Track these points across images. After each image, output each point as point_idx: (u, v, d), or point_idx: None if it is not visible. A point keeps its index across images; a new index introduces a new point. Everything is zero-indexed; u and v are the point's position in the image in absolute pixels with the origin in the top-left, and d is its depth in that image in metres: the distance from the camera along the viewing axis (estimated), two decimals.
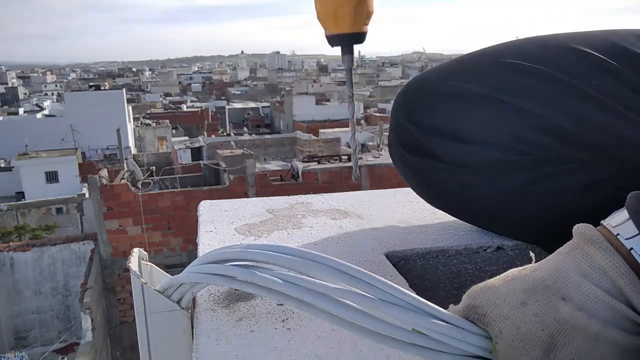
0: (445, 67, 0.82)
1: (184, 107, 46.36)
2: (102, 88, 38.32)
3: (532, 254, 0.51)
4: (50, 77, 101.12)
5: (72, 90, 43.18)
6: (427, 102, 0.79)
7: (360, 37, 0.87)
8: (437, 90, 0.78)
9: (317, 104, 38.72)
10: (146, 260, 0.66)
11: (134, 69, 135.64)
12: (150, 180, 12.82)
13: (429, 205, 0.91)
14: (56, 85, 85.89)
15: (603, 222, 0.45)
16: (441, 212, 0.92)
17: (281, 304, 0.65)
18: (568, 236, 0.46)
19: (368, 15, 0.87)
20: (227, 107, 50.82)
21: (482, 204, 0.78)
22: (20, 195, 21.06)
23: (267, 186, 11.42)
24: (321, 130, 26.39)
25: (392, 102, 0.87)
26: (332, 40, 0.88)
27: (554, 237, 0.64)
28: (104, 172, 12.49)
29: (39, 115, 37.07)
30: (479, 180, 0.75)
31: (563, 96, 0.67)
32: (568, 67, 0.68)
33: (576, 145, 0.67)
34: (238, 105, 53.73)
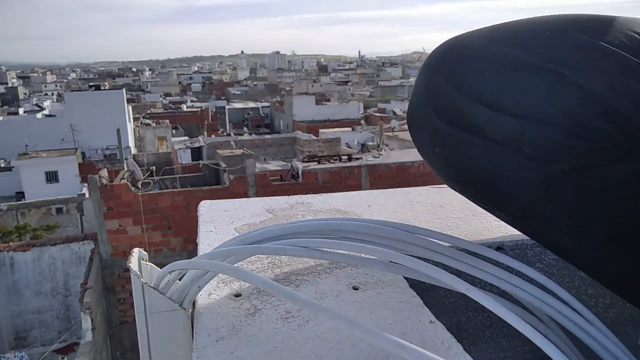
0: (493, 31, 0.73)
1: (184, 107, 46.36)
2: (102, 88, 38.32)
3: None
4: (50, 77, 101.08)
5: (72, 90, 43.17)
6: (475, 66, 0.69)
7: None
8: (489, 55, 0.69)
9: (317, 104, 38.70)
10: (146, 260, 0.66)
11: (134, 69, 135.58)
12: (150, 180, 12.82)
13: (429, 205, 0.91)
14: (56, 85, 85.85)
15: None
16: (441, 212, 0.92)
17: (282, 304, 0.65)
18: (599, 237, 0.45)
19: None
20: (227, 107, 50.82)
21: (518, 191, 0.68)
22: (20, 195, 21.05)
23: (267, 186, 11.41)
24: (321, 130, 26.38)
25: (425, 64, 0.77)
26: None
27: (584, 236, 0.62)
28: (104, 172, 12.48)
29: (39, 115, 37.06)
30: (523, 164, 0.65)
31: (630, 81, 0.61)
32: (637, 53, 0.62)
33: (632, 134, 0.61)
34: (238, 105, 53.73)
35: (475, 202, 0.77)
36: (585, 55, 0.62)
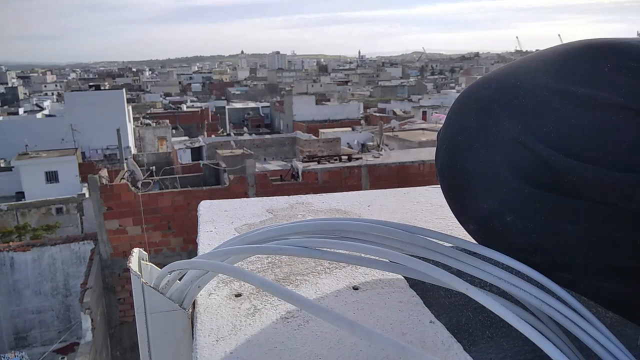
0: (543, 66, 0.62)
1: (184, 107, 46.37)
2: (102, 88, 38.32)
3: None
4: (50, 77, 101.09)
5: (72, 90, 43.17)
6: (556, 113, 0.57)
7: None
8: (564, 96, 0.58)
9: (317, 104, 38.71)
10: (146, 260, 0.66)
11: (134, 69, 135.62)
12: (150, 180, 12.82)
13: (429, 205, 0.91)
14: (56, 85, 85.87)
15: None
16: (441, 212, 0.92)
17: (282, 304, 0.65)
18: None
19: None
20: (227, 107, 50.83)
21: (618, 256, 0.59)
22: (20, 195, 21.05)
23: (267, 186, 11.41)
24: (321, 130, 26.39)
25: (467, 105, 0.65)
26: None
27: None
28: (104, 172, 12.48)
29: (39, 115, 37.06)
30: (624, 220, 0.56)
31: None
32: None
33: None
34: (238, 105, 53.74)
35: (555, 274, 0.64)
36: None
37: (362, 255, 0.63)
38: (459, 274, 0.60)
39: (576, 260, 0.61)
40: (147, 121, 33.88)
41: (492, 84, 0.64)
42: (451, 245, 0.67)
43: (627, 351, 0.58)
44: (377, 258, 0.63)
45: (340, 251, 0.62)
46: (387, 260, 0.63)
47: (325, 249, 0.62)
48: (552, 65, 0.62)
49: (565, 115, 0.57)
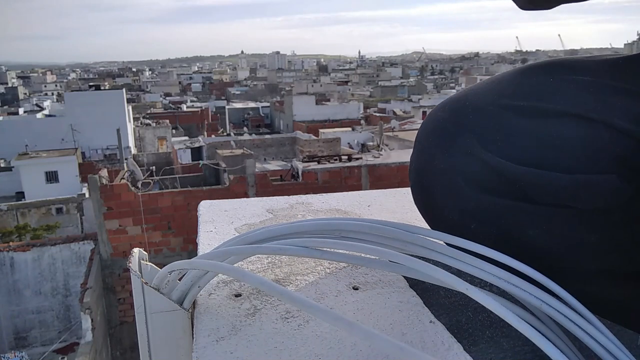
0: (491, 87, 0.68)
1: (184, 107, 46.38)
2: (102, 88, 38.33)
3: None
4: (50, 77, 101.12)
5: (72, 90, 43.19)
6: (503, 125, 0.62)
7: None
8: (509, 110, 0.63)
9: (317, 104, 38.72)
10: (146, 260, 0.66)
11: (134, 69, 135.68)
12: (150, 180, 12.82)
13: None
14: (56, 85, 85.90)
15: None
16: None
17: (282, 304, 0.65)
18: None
19: None
20: (227, 107, 50.84)
21: (571, 254, 0.63)
22: (20, 195, 21.06)
23: (267, 186, 11.41)
24: (321, 130, 26.40)
25: (427, 127, 0.71)
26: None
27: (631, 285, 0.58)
28: (104, 172, 12.48)
29: (39, 115, 37.07)
30: (579, 221, 0.60)
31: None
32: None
33: None
34: (238, 105, 53.76)
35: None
36: (619, 97, 0.59)
37: (362, 255, 0.63)
38: (459, 273, 0.60)
39: (551, 264, 0.64)
40: (147, 121, 33.90)
41: (445, 106, 0.70)
42: (451, 245, 0.67)
43: (627, 351, 0.58)
44: (377, 258, 0.63)
45: (341, 251, 0.62)
46: (387, 260, 0.63)
47: (325, 249, 0.62)
48: (498, 84, 0.67)
49: (510, 126, 0.62)
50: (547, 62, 0.67)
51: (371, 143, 21.87)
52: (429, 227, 0.74)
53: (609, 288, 0.65)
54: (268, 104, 50.01)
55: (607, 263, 0.63)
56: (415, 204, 0.77)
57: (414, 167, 0.73)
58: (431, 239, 0.65)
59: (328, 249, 0.62)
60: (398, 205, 1.07)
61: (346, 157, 13.76)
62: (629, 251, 0.61)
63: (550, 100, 0.61)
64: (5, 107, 53.71)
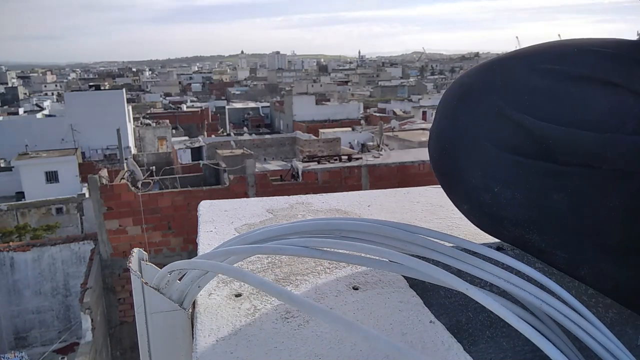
0: (517, 53, 0.69)
1: (184, 107, 46.37)
2: (102, 88, 38.31)
3: None
4: (50, 77, 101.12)
5: (72, 90, 43.16)
6: (533, 86, 0.63)
7: None
8: (538, 73, 0.63)
9: (317, 104, 38.71)
10: (146, 260, 0.66)
11: (134, 69, 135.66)
12: (150, 180, 12.82)
13: (429, 205, 0.91)
14: (56, 85, 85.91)
15: None
16: (441, 212, 0.92)
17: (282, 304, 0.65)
18: None
19: None
20: (227, 107, 50.83)
21: (600, 220, 0.62)
22: (20, 195, 21.05)
23: (267, 186, 11.41)
24: (321, 130, 26.39)
25: (452, 91, 0.70)
26: None
27: None
28: (104, 172, 12.48)
29: (39, 115, 37.07)
30: (604, 184, 0.60)
31: None
32: None
33: None
34: (238, 105, 53.75)
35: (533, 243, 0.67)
36: (627, 64, 0.61)
37: (363, 255, 0.63)
38: (459, 273, 0.60)
39: (570, 237, 0.63)
40: (147, 121, 33.89)
41: (471, 72, 0.70)
42: (451, 244, 0.67)
43: (627, 351, 0.58)
44: (377, 258, 0.63)
45: (341, 251, 0.62)
46: (387, 260, 0.63)
47: (325, 249, 0.62)
48: (524, 52, 0.68)
49: (539, 87, 0.62)
50: (571, 39, 0.68)
51: (371, 143, 21.87)
52: (428, 227, 0.74)
53: (627, 267, 0.65)
54: (268, 104, 50.00)
55: (628, 236, 0.62)
56: (434, 170, 0.75)
57: (435, 132, 0.72)
58: (431, 239, 0.65)
59: (328, 249, 0.62)
60: (398, 205, 1.07)
61: (346, 157, 13.76)
62: None
63: (577, 65, 0.62)
64: (5, 107, 53.70)
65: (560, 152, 0.60)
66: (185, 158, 19.34)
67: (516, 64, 0.66)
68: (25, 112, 43.73)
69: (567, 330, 0.60)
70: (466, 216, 0.73)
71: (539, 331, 0.55)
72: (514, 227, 0.66)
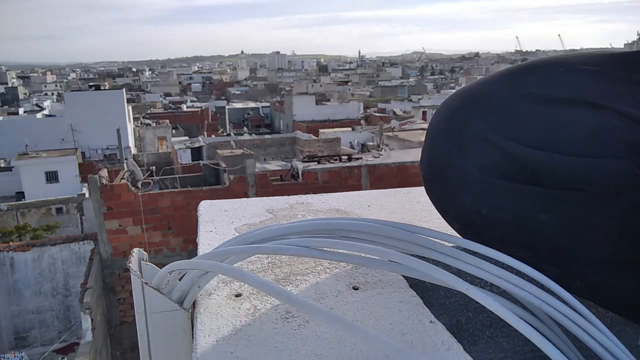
0: (502, 77, 0.69)
1: (184, 107, 46.37)
2: (102, 88, 38.31)
3: None
4: (50, 77, 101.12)
5: (72, 90, 43.16)
6: (516, 111, 0.63)
7: None
8: (522, 97, 0.64)
9: (317, 104, 38.71)
10: (146, 260, 0.66)
11: (134, 69, 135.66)
12: (150, 180, 12.82)
13: (429, 205, 0.91)
14: (56, 85, 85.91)
15: None
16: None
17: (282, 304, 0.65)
18: None
19: None
20: (227, 107, 50.82)
21: (584, 236, 0.63)
22: (20, 195, 21.05)
23: (267, 186, 11.41)
24: (321, 130, 26.39)
25: (439, 117, 0.71)
26: None
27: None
28: (104, 172, 12.48)
29: (39, 115, 37.08)
30: (589, 205, 0.60)
31: None
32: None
33: None
34: (238, 105, 53.75)
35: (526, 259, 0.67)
36: (610, 86, 0.61)
37: (363, 255, 0.63)
38: (459, 273, 0.60)
39: (561, 252, 0.65)
40: (147, 121, 33.89)
41: (456, 95, 0.72)
42: (451, 244, 0.67)
43: (627, 351, 0.58)
44: (377, 257, 0.63)
45: (341, 251, 0.62)
46: (387, 260, 0.63)
47: (325, 249, 0.62)
48: (508, 75, 0.69)
49: (523, 112, 0.63)
50: (556, 56, 0.69)
51: (371, 143, 21.87)
52: (428, 227, 0.74)
53: (618, 279, 0.66)
54: (268, 104, 50.00)
55: (617, 251, 0.63)
56: (427, 192, 0.77)
57: (425, 156, 0.74)
58: (431, 239, 0.65)
59: (328, 249, 0.62)
60: (398, 205, 1.07)
61: (346, 157, 13.75)
62: (638, 238, 0.62)
63: (561, 87, 0.62)
64: (5, 107, 53.70)
65: (546, 177, 0.61)
66: (185, 158, 19.34)
67: (500, 88, 0.67)
68: (25, 112, 43.73)
69: (567, 330, 0.60)
70: (457, 233, 0.75)
71: (539, 331, 0.55)
72: (502, 245, 0.67)
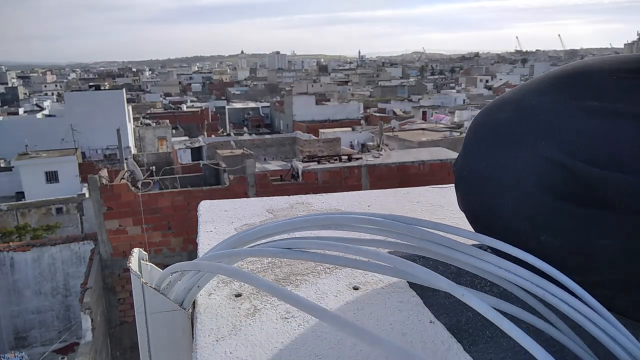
0: (556, 85, 0.63)
1: (184, 107, 46.36)
2: (102, 88, 38.29)
3: None
4: (50, 77, 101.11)
5: (72, 90, 43.15)
6: (577, 124, 0.57)
7: None
8: (581, 111, 0.57)
9: (317, 104, 38.71)
10: (146, 261, 0.66)
11: (134, 69, 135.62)
12: (150, 180, 12.81)
13: (429, 205, 0.91)
14: (56, 85, 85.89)
15: None
16: (441, 212, 0.92)
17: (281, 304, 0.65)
18: None
19: None
20: (227, 107, 50.82)
21: None
22: (20, 195, 21.05)
23: (267, 186, 11.41)
24: (321, 130, 26.40)
25: (485, 127, 0.66)
26: None
27: None
28: (104, 172, 12.47)
29: (39, 115, 37.07)
30: None
31: None
32: None
33: None
34: (238, 105, 53.75)
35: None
36: None
37: (359, 258, 0.63)
38: (459, 273, 0.60)
39: (616, 276, 0.60)
40: (147, 121, 33.89)
41: (506, 107, 0.65)
42: (449, 236, 0.66)
43: (636, 341, 0.57)
44: (377, 262, 0.63)
45: (339, 253, 0.62)
46: (380, 263, 0.63)
47: (319, 251, 0.62)
48: (558, 84, 0.63)
49: (584, 127, 0.57)
50: (596, 60, 0.62)
51: (371, 143, 21.87)
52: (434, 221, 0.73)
53: None
54: (268, 104, 50.00)
55: None
56: (464, 210, 0.71)
57: (465, 170, 0.68)
58: (428, 230, 0.65)
59: (322, 251, 0.62)
60: (398, 205, 1.07)
61: (346, 157, 13.74)
62: None
63: (622, 100, 0.56)
64: (5, 107, 53.69)
65: (614, 199, 0.55)
66: (185, 158, 19.33)
67: (555, 100, 0.61)
68: (25, 112, 43.71)
69: (571, 325, 0.59)
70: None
71: (539, 330, 0.55)
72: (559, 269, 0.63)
